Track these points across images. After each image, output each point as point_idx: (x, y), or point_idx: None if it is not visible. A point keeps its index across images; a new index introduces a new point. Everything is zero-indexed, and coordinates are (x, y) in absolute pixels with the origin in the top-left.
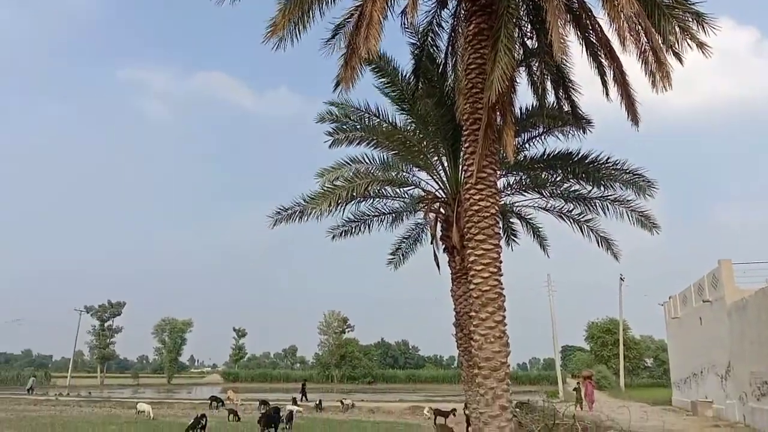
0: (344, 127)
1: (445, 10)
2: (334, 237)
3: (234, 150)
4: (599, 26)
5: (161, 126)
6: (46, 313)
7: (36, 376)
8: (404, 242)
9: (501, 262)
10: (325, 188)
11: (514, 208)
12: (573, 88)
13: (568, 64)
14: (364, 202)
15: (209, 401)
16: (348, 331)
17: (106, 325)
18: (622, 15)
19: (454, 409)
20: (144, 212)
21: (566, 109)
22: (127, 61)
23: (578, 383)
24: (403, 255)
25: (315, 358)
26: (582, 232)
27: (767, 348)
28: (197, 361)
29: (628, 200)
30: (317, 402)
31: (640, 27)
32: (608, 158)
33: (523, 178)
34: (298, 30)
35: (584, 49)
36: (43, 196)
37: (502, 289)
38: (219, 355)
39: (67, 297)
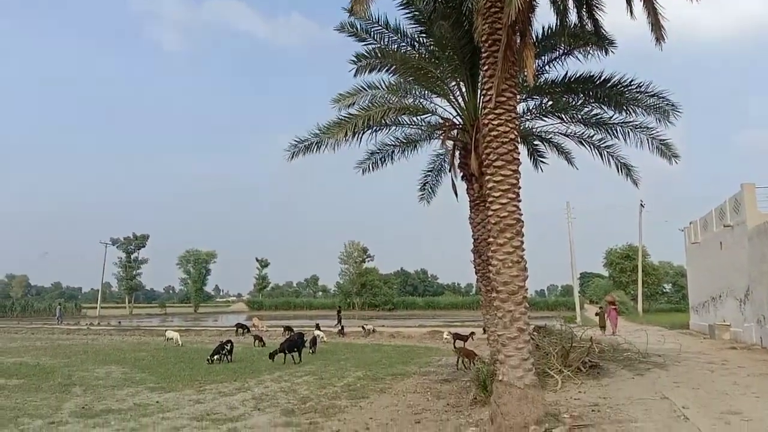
0: (365, 50)
1: None
2: (363, 171)
3: (251, 79)
4: None
5: (177, 56)
6: (74, 247)
7: (62, 305)
8: (429, 175)
9: (519, 188)
10: (341, 118)
11: (535, 132)
12: (596, 6)
13: None
14: (381, 131)
15: (235, 328)
16: (368, 261)
17: (131, 257)
18: None
19: (473, 333)
20: (164, 145)
21: (589, 29)
22: None
23: (601, 308)
24: (431, 188)
25: (336, 286)
26: (602, 158)
27: None
28: (222, 290)
29: (649, 127)
30: (340, 328)
31: None
32: (632, 81)
33: (544, 102)
34: None
35: None
36: (66, 128)
37: (521, 214)
38: (243, 285)
39: (93, 230)
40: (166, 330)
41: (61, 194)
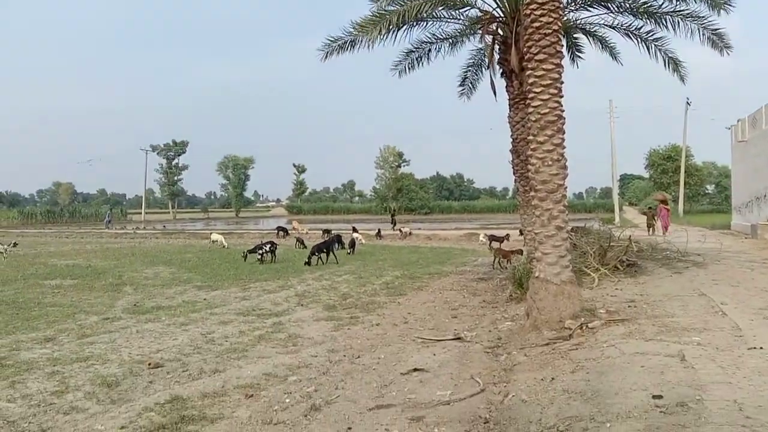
0: None
1: None
2: (400, 73)
3: None
4: None
5: None
6: (117, 154)
7: (111, 210)
8: (469, 70)
9: (562, 83)
10: (376, 13)
11: (579, 24)
12: None
13: None
14: (418, 27)
15: (276, 231)
16: (404, 166)
17: (172, 163)
18: None
19: (508, 235)
20: (201, 52)
21: None
22: None
23: (650, 208)
24: (471, 84)
25: (373, 191)
26: (649, 51)
27: None
28: (261, 196)
29: (701, 16)
30: (377, 231)
31: None
32: None
33: None
34: None
35: None
36: (103, 36)
37: (563, 111)
38: (281, 191)
39: (135, 137)
40: (210, 233)
41: (104, 100)
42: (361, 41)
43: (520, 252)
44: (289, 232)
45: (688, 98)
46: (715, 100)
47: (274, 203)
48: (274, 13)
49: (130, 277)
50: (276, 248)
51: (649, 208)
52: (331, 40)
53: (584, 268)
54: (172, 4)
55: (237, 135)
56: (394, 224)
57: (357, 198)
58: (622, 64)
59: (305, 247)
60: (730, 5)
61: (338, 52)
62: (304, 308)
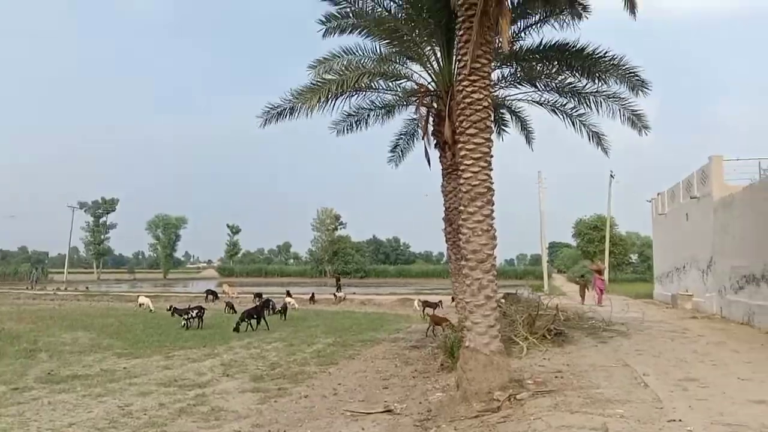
0: (336, 11)
1: None
2: (338, 133)
3: (227, 38)
4: None
5: (144, 12)
6: (41, 210)
7: (38, 270)
8: (401, 138)
9: (492, 156)
10: (315, 82)
11: (506, 102)
12: None
13: None
14: (356, 96)
15: (205, 294)
16: (340, 228)
17: (100, 221)
18: None
19: (440, 301)
20: (133, 105)
21: None
22: None
23: (582, 275)
24: (402, 152)
25: (308, 254)
26: (574, 126)
27: (749, 243)
28: (192, 257)
29: (621, 97)
30: (311, 295)
31: None
32: (606, 52)
33: (518, 70)
34: None
35: None
36: (30, 87)
37: (492, 183)
38: (214, 252)
39: (60, 193)
40: (138, 296)
41: (28, 156)
42: (300, 108)
43: (451, 325)
44: (220, 295)
45: (611, 171)
46: (639, 169)
47: (205, 264)
48: (212, 70)
49: (46, 343)
50: (204, 313)
51: (581, 276)
52: (270, 107)
53: (513, 336)
54: (104, 55)
55: (170, 193)
56: (339, 289)
57: (292, 260)
58: (532, 150)
59: (235, 311)
60: (647, 88)
61: (277, 119)
62: (230, 379)
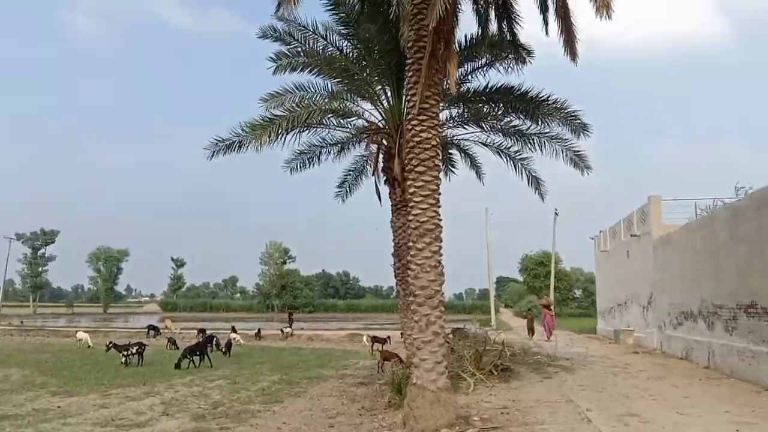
0: (287, 50)
1: None
2: (291, 171)
3: (169, 71)
4: None
5: (89, 42)
6: None
7: None
8: (350, 174)
9: (440, 193)
10: (265, 118)
11: (455, 141)
12: (516, 20)
13: None
14: (307, 132)
15: (147, 330)
16: (289, 262)
17: (38, 253)
18: None
19: (389, 336)
20: (76, 135)
21: (509, 40)
22: None
23: (529, 311)
24: (349, 187)
25: (256, 288)
26: (516, 169)
27: (686, 280)
28: (134, 290)
29: (564, 139)
30: (257, 330)
31: None
32: (548, 96)
33: (465, 111)
34: None
35: None
36: None
37: (440, 220)
38: (157, 285)
39: None
40: (76, 331)
41: None
42: (249, 143)
43: (400, 360)
44: (162, 331)
45: (556, 209)
46: (584, 206)
47: (147, 298)
48: (156, 101)
49: None
50: (144, 349)
51: (529, 310)
52: (218, 140)
53: (461, 372)
54: (45, 85)
55: (113, 225)
56: (291, 324)
57: (238, 295)
58: (483, 185)
59: (177, 347)
60: (588, 131)
61: (225, 152)
62: (170, 418)
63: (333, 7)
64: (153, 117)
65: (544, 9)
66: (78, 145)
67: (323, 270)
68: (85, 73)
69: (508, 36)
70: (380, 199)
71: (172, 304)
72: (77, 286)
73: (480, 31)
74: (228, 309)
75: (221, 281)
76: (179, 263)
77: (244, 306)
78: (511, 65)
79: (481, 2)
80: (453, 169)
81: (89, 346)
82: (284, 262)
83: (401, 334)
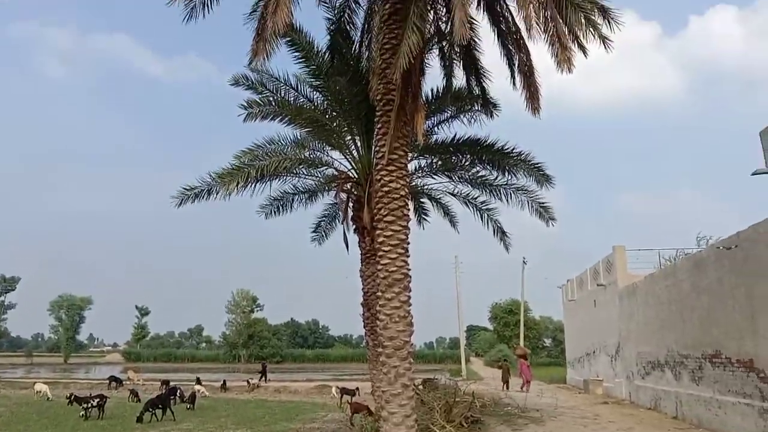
0: (259, 99)
1: None
2: (266, 216)
3: (137, 115)
4: (511, 14)
5: (59, 86)
6: None
7: None
8: (324, 220)
9: (408, 243)
10: (234, 167)
11: (425, 190)
12: (483, 75)
13: (479, 49)
14: (277, 180)
15: (108, 381)
16: (257, 311)
17: None
18: (530, 3)
19: (358, 388)
20: (39, 178)
21: (476, 94)
22: (21, 14)
23: (504, 361)
24: (324, 232)
25: (222, 337)
26: (482, 219)
27: (652, 330)
28: (97, 339)
29: (530, 190)
30: (222, 382)
31: (547, 14)
32: (513, 148)
33: (434, 161)
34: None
35: (496, 36)
36: None
37: (409, 269)
38: (120, 334)
39: None
40: (34, 382)
41: None
42: (218, 191)
43: (370, 412)
44: (124, 382)
45: (524, 258)
46: (551, 254)
47: (110, 348)
48: (122, 147)
49: None
50: (105, 402)
51: (504, 360)
52: (187, 189)
53: (431, 425)
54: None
55: (77, 272)
56: (265, 376)
57: (204, 344)
58: (458, 233)
59: (140, 400)
60: (551, 182)
61: (193, 200)
62: None
63: (304, 60)
64: (120, 162)
65: (510, 64)
66: (41, 188)
67: (292, 318)
68: (50, 114)
69: (476, 89)
70: (347, 247)
71: (136, 354)
72: (37, 334)
73: (446, 84)
74: (193, 359)
75: (186, 330)
76: (144, 311)
77: (209, 356)
78: (475, 117)
79: (448, 57)
80: (426, 217)
81: (48, 399)
82: (252, 311)
83: (371, 384)
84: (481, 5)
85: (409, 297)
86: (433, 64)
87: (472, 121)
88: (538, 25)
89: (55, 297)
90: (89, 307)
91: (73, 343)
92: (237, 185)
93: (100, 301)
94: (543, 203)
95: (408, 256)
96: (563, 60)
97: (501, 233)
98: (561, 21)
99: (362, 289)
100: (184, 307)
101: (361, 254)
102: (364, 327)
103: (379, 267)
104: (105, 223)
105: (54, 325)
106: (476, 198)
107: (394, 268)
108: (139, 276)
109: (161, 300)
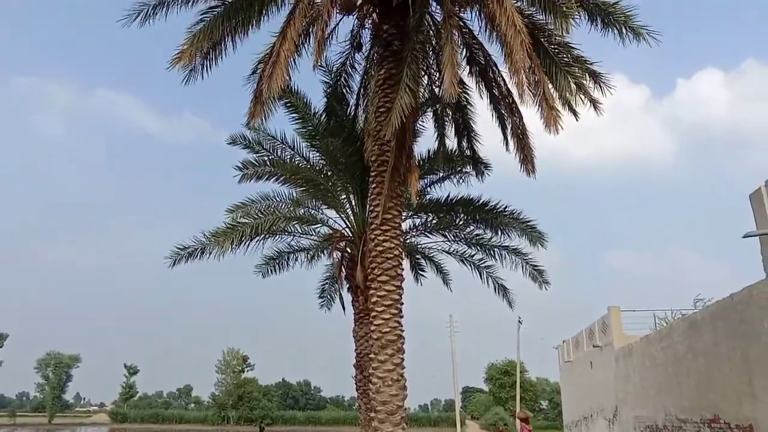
0: (254, 159)
1: (359, 52)
2: (263, 275)
3: (133, 171)
4: (503, 79)
5: (56, 143)
6: None
7: None
8: (327, 282)
9: (402, 303)
10: (229, 225)
11: (419, 248)
12: (474, 138)
13: (470, 111)
14: (272, 239)
15: None
16: (248, 370)
17: None
18: (521, 69)
19: None
20: (27, 232)
21: (468, 155)
22: (22, 69)
23: (505, 424)
24: (330, 296)
25: (211, 398)
26: (481, 277)
27: (649, 393)
28: (83, 399)
29: (523, 252)
30: None
31: (536, 78)
32: (505, 207)
33: (428, 220)
34: (209, 61)
35: (488, 100)
36: None
37: (402, 331)
38: (108, 393)
39: None
40: None
41: None
42: (212, 250)
43: None
44: None
45: (519, 317)
46: (547, 314)
47: (96, 408)
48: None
49: None
50: None
51: (505, 425)
52: (180, 248)
53: None
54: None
55: (66, 329)
56: None
57: (193, 405)
58: (451, 291)
59: None
60: (545, 241)
61: (186, 260)
62: None
63: (300, 120)
64: (111, 218)
65: (503, 127)
66: (30, 242)
67: (283, 379)
68: (44, 169)
69: (468, 151)
70: (344, 307)
71: (122, 414)
72: (22, 393)
73: (438, 146)
74: (181, 420)
75: (175, 390)
76: (132, 370)
77: (198, 417)
78: (464, 179)
79: (440, 120)
80: (423, 273)
81: None
82: (242, 371)
83: None
84: (474, 71)
85: (403, 359)
86: (428, 126)
87: (462, 181)
88: (529, 89)
89: (43, 354)
90: (77, 365)
91: (59, 403)
92: (231, 244)
93: (89, 358)
94: (537, 266)
95: (402, 317)
96: (551, 122)
97: (502, 289)
98: (549, 84)
99: (355, 350)
100: (174, 366)
101: (354, 314)
102: (357, 390)
103: (372, 328)
104: (97, 279)
105: (40, 384)
106: (473, 256)
107: (388, 329)
108: (129, 333)
109: (151, 358)
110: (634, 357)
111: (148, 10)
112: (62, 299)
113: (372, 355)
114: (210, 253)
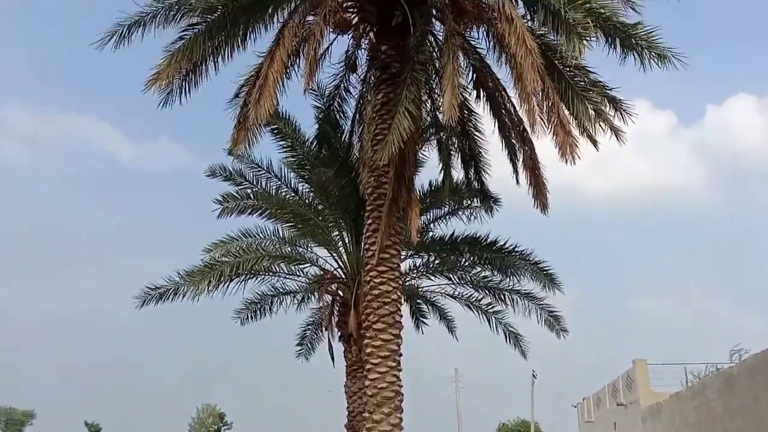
0: (236, 192)
1: (354, 75)
2: (242, 321)
3: (99, 202)
4: (513, 106)
5: (19, 170)
6: None
7: None
8: (309, 329)
9: (401, 354)
10: (206, 264)
11: (420, 292)
12: (483, 169)
13: (479, 139)
14: (254, 280)
15: None
16: (225, 429)
17: None
18: (532, 92)
19: None
20: None
21: (476, 188)
22: None
23: None
24: (310, 343)
25: None
26: (490, 324)
27: None
28: None
29: (538, 296)
30: None
31: (549, 104)
32: (515, 247)
33: (431, 260)
34: (188, 83)
35: (497, 129)
36: None
37: (401, 386)
38: None
39: None
40: None
41: None
42: (187, 291)
43: None
44: None
45: (534, 371)
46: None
47: None
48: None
49: None
50: None
51: None
52: (150, 289)
53: None
54: None
55: (20, 382)
56: None
57: None
58: (457, 340)
59: None
60: (559, 285)
61: (157, 302)
62: None
63: (289, 149)
64: (67, 258)
65: (513, 158)
66: None
67: None
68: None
69: (476, 184)
70: (333, 360)
71: None
72: None
73: (444, 177)
74: None
75: None
76: (93, 428)
77: None
78: (474, 213)
79: (445, 149)
80: (424, 320)
81: None
82: (219, 430)
83: None
84: (481, 96)
85: (401, 419)
86: (432, 156)
87: (472, 217)
88: (541, 117)
89: None
90: (31, 422)
91: None
92: (208, 285)
93: (44, 415)
94: (553, 311)
95: (400, 370)
96: (566, 150)
97: (515, 338)
98: (565, 109)
99: (347, 407)
100: (141, 423)
101: (347, 366)
102: None
103: (367, 383)
104: (56, 324)
105: None
106: (480, 300)
107: (384, 385)
108: (91, 386)
109: (114, 415)
110: (664, 417)
111: (122, 31)
112: (14, 347)
113: (366, 414)
114: (184, 295)
